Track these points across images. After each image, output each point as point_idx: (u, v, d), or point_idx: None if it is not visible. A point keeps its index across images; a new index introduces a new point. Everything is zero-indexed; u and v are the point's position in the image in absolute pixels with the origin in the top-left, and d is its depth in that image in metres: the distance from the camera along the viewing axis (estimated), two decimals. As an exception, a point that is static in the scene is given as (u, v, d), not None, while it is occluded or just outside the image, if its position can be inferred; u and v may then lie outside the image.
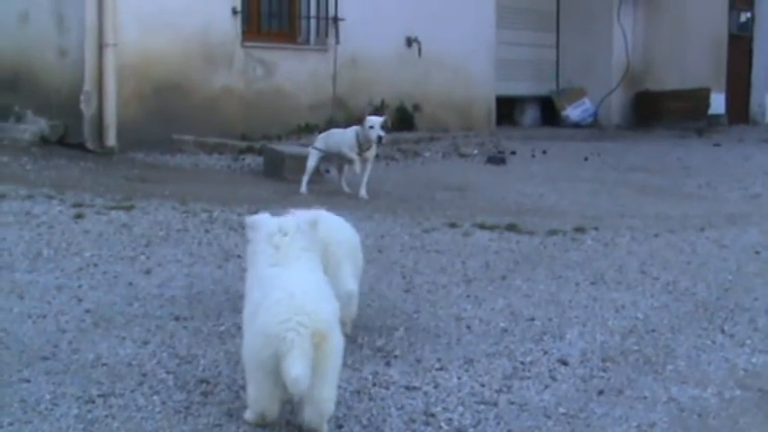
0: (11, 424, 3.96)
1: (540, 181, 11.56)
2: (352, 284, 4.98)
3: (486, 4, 16.03)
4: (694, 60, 19.44)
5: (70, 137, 11.25)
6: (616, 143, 16.01)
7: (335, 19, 13.71)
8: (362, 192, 9.80)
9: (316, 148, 10.05)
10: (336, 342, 3.85)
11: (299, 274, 3.96)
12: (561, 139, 16.05)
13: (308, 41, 13.85)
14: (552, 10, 18.74)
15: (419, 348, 5.15)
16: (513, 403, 4.48)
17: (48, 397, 4.24)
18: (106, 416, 4.10)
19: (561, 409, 4.46)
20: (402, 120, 14.39)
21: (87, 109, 11.20)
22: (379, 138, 9.69)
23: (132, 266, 6.51)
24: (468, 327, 5.59)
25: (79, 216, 7.76)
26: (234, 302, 5.22)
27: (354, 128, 9.89)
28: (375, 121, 9.79)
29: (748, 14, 21.73)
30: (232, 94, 12.63)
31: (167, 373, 4.61)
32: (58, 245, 6.91)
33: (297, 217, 4.19)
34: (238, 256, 6.54)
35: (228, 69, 12.60)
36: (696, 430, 4.36)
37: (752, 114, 21.86)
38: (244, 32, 12.81)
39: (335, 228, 5.06)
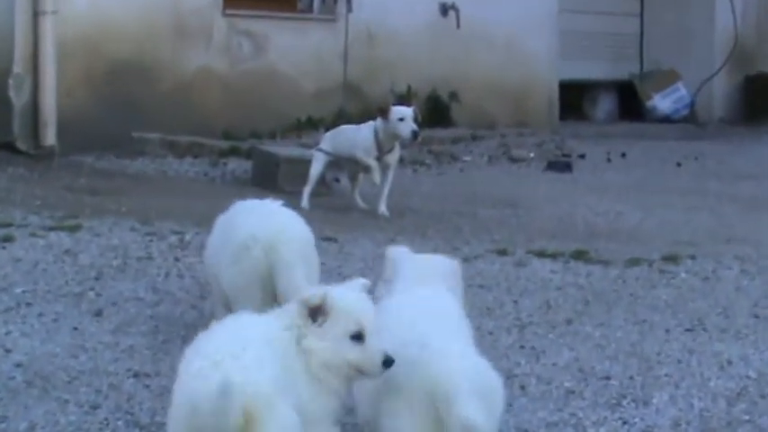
0: None
1: (618, 194, 11.54)
2: None
3: (547, -41, 16.09)
4: (824, 33, 19.39)
5: (-5, 135, 11.33)
6: (719, 143, 15.97)
7: (347, -20, 13.79)
8: (382, 207, 9.81)
9: (321, 151, 10.07)
10: (279, 420, 3.71)
11: (234, 325, 3.93)
12: (646, 137, 16.03)
13: (310, 9, 13.91)
14: (635, -33, 18.78)
15: (457, 416, 5.13)
16: (581, 490, 4.47)
17: (-34, 479, 4.26)
18: (42, 504, 4.11)
19: (646, 499, 4.45)
20: (435, 112, 14.40)
21: (18, 97, 11.25)
22: (415, 133, 9.65)
23: (78, 306, 6.51)
24: (523, 387, 5.58)
25: (7, 239, 7.78)
26: (212, 354, 5.22)
27: (371, 123, 9.87)
28: (406, 111, 9.73)
29: None
30: (211, 77, 12.68)
31: (123, 447, 4.62)
32: (-20, 277, 6.95)
33: None
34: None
35: (206, 45, 12.65)
36: None
37: None
38: (226, -3, 12.89)
39: (286, 222, 5.53)
